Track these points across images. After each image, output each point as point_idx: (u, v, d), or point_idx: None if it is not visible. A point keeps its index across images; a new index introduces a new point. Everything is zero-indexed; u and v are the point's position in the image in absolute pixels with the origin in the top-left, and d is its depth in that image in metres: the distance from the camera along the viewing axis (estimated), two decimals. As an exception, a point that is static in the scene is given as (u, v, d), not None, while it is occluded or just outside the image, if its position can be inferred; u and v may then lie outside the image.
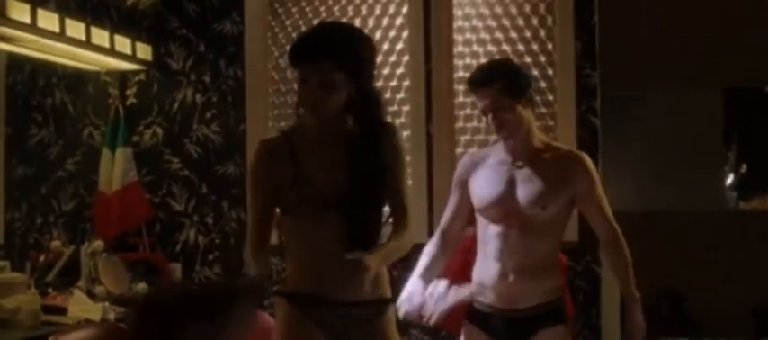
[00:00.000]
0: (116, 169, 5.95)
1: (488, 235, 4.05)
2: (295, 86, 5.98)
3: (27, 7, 4.91)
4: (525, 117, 4.00)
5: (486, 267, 4.04)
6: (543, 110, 5.83)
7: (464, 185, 4.15)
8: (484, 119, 4.03)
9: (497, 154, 4.09)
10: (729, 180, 9.29)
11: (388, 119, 3.81)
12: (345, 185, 3.46)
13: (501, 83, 3.96)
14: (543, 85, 5.85)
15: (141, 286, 5.55)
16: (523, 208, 3.95)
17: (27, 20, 4.91)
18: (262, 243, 3.55)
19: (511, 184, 3.99)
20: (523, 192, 3.97)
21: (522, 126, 4.00)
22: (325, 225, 3.46)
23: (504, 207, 3.97)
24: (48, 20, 5.08)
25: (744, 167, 9.38)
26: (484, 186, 4.05)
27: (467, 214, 4.17)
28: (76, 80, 6.10)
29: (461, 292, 4.01)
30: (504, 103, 3.95)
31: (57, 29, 5.16)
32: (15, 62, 5.65)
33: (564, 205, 4.05)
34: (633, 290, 4.16)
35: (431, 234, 5.80)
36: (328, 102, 3.45)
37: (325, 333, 3.52)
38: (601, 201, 4.11)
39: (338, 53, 3.43)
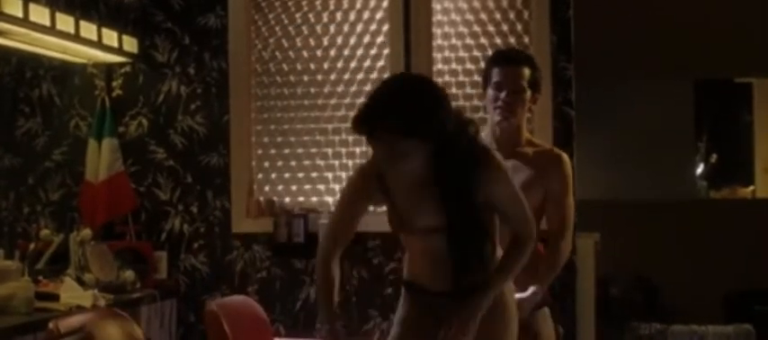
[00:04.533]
0: (102, 159, 6.02)
1: None
2: (292, 78, 6.14)
3: (19, 2, 4.98)
4: (526, 110, 4.14)
5: None
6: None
7: None
8: (493, 97, 4.09)
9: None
10: (700, 169, 9.47)
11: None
12: (438, 221, 3.45)
13: (530, 70, 4.10)
14: (520, 77, 5.96)
15: (128, 274, 5.66)
16: None
17: (19, 14, 4.98)
18: (332, 253, 3.64)
19: None
20: None
21: (522, 117, 4.14)
22: (426, 243, 3.56)
23: None
24: (39, 14, 5.15)
25: (714, 157, 9.56)
26: None
27: None
28: (63, 72, 6.19)
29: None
30: (524, 88, 4.08)
31: (48, 22, 5.23)
32: (3, 54, 5.74)
33: (540, 201, 4.15)
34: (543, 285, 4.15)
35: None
36: (404, 166, 3.39)
37: (432, 317, 3.58)
38: (567, 208, 4.21)
39: (397, 122, 3.30)
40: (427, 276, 3.63)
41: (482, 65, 5.91)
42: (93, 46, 5.73)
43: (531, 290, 4.05)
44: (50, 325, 3.95)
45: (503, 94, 4.07)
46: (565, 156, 4.25)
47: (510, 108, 4.08)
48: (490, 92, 4.13)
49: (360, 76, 6.13)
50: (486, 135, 4.16)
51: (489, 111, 4.19)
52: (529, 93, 4.11)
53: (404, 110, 3.30)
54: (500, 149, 4.07)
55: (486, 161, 3.44)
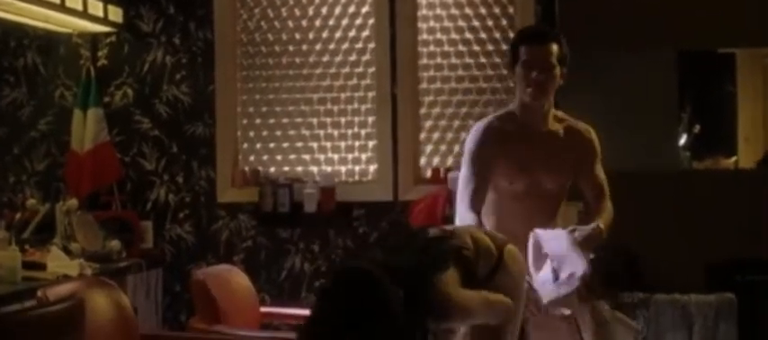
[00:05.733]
0: (88, 129, 6.04)
1: (503, 207, 4.10)
2: (277, 48, 6.16)
3: (4, -29, 5.00)
4: (555, 87, 4.15)
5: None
6: (504, 72, 5.98)
7: (485, 161, 4.06)
8: (524, 76, 4.03)
9: (511, 125, 4.13)
10: (683, 140, 9.49)
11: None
12: None
13: (558, 46, 4.07)
14: (505, 48, 5.98)
15: (114, 243, 5.68)
16: (544, 181, 4.08)
17: (3, -17, 4.99)
18: None
19: (535, 158, 4.06)
20: (545, 166, 4.11)
21: (553, 94, 4.15)
22: None
23: (528, 181, 4.05)
24: (23, -17, 5.16)
25: (697, 128, 9.58)
26: (509, 162, 4.05)
27: (487, 187, 4.08)
28: (48, 42, 6.20)
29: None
30: (554, 65, 4.08)
31: (33, -8, 5.24)
32: (-12, 24, 5.75)
33: (570, 174, 4.21)
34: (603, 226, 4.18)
35: (396, 192, 6.01)
36: None
37: None
38: (602, 176, 4.30)
39: None
40: None
41: (467, 35, 5.98)
42: (78, 16, 5.74)
43: (592, 225, 4.08)
44: (39, 293, 3.97)
45: (534, 74, 4.04)
46: (591, 130, 4.30)
47: (541, 87, 4.03)
48: (520, 70, 4.07)
49: (345, 46, 6.15)
50: (516, 112, 4.16)
51: (518, 89, 4.15)
52: (558, 69, 4.10)
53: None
54: (529, 126, 4.08)
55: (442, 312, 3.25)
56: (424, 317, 3.18)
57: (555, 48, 4.07)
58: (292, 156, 6.20)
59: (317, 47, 6.16)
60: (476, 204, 3.97)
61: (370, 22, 6.09)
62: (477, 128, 4.17)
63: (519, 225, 3.97)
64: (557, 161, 4.11)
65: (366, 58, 6.11)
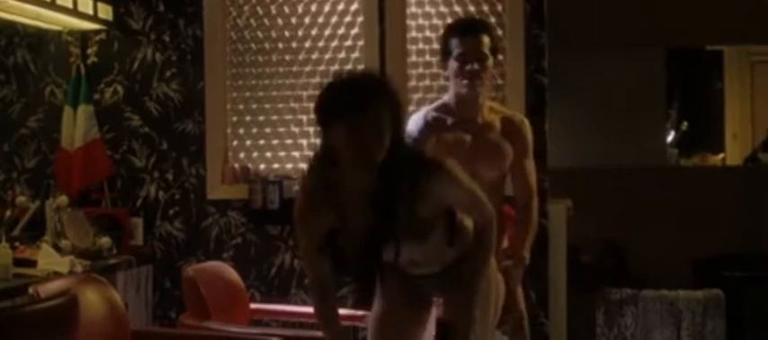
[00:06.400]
0: (78, 126, 6.05)
1: None
2: (267, 45, 6.14)
3: (-6, -31, 5.01)
4: (489, 77, 4.24)
5: None
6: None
7: (427, 148, 4.19)
8: (458, 69, 4.18)
9: (447, 114, 4.28)
10: (671, 137, 9.54)
11: None
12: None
13: (489, 37, 4.21)
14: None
15: (105, 240, 5.70)
16: (484, 172, 4.15)
17: (-7, -20, 5.00)
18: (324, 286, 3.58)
19: (472, 150, 4.20)
20: (483, 157, 4.18)
21: (488, 82, 4.24)
22: None
23: (468, 167, 4.13)
24: (14, -19, 5.17)
25: (685, 125, 9.64)
26: (450, 149, 4.13)
27: None
28: (38, 39, 6.21)
29: None
30: (487, 56, 4.18)
31: (22, -11, 5.25)
32: (-24, 22, 5.76)
33: (508, 164, 4.32)
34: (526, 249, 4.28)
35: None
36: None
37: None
38: (532, 171, 4.39)
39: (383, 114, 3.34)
40: None
41: (455, 32, 5.97)
42: (68, 13, 5.73)
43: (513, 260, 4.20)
44: (31, 290, 3.99)
45: (468, 66, 4.16)
46: (526, 121, 4.42)
47: (476, 78, 4.18)
48: (453, 63, 4.23)
49: (334, 43, 6.16)
50: (449, 102, 4.27)
51: (452, 82, 4.29)
52: (491, 60, 4.22)
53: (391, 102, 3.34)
54: (464, 117, 4.19)
55: (435, 169, 3.44)
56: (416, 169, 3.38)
57: (486, 39, 4.23)
58: (282, 153, 6.22)
59: (307, 44, 6.17)
60: None
61: (359, 19, 6.11)
62: (413, 118, 4.30)
63: None
64: (493, 151, 4.23)
65: (355, 55, 6.12)
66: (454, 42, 4.21)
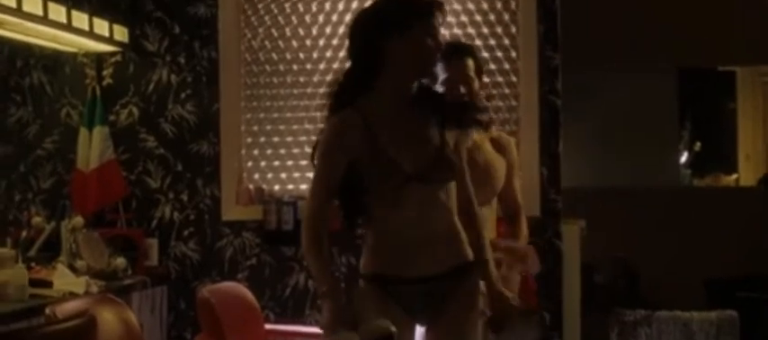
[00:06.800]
0: (93, 148, 6.07)
1: None
2: (281, 67, 6.16)
3: (13, -8, 5.04)
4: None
5: None
6: (507, 90, 6.03)
7: None
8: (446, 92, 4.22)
9: None
10: (684, 158, 9.55)
11: None
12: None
13: (472, 58, 4.29)
14: (507, 66, 6.03)
15: (120, 260, 5.71)
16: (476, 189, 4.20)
17: (13, 4, 5.01)
18: (322, 226, 3.50)
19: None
20: (475, 176, 4.20)
21: None
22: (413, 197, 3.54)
23: None
24: (32, 4, 5.17)
25: (698, 145, 9.65)
26: None
27: None
28: (54, 61, 6.25)
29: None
30: (473, 79, 4.23)
31: (40, 13, 5.26)
32: (-6, 43, 5.81)
33: (502, 182, 4.44)
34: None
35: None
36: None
37: (402, 306, 3.56)
38: (516, 184, 4.54)
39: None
40: (403, 259, 3.57)
41: (470, 54, 6.00)
42: (84, 35, 5.77)
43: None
44: (48, 310, 4.00)
45: (456, 89, 4.20)
46: (512, 140, 4.57)
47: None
48: (440, 88, 4.24)
49: (347, 64, 6.17)
50: None
51: None
52: (477, 82, 4.28)
53: None
54: None
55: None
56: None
57: (471, 62, 4.28)
58: (296, 174, 6.24)
59: (321, 66, 6.20)
60: None
61: (374, 41, 6.12)
62: None
63: None
64: (484, 172, 4.28)
65: (369, 76, 6.13)
66: (440, 67, 4.23)
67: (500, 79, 6.05)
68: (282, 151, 6.25)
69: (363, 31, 3.58)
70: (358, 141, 3.50)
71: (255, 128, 6.29)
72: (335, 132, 3.55)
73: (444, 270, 3.57)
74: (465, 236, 3.62)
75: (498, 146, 4.45)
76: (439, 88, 3.96)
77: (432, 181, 3.53)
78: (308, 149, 6.04)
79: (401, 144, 3.51)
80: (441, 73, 4.19)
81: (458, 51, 4.32)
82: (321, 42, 6.21)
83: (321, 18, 6.21)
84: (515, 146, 4.65)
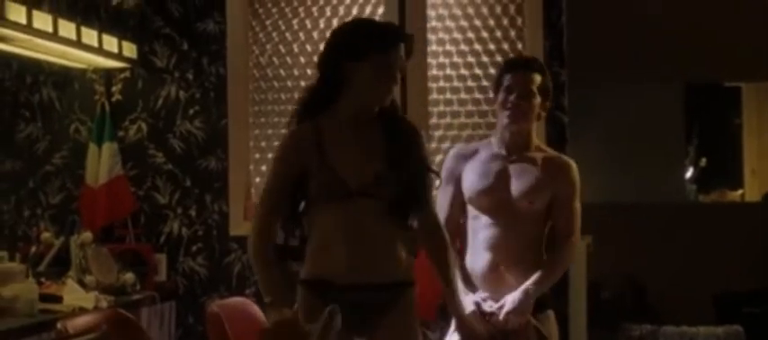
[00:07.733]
0: (102, 163, 6.10)
1: (478, 226, 4.23)
2: (289, 83, 6.19)
3: (23, 9, 5.06)
4: (536, 116, 4.25)
5: (475, 258, 4.24)
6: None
7: (457, 178, 4.29)
8: (503, 101, 4.18)
9: (488, 149, 4.26)
10: (689, 173, 9.56)
11: None
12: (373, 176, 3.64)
13: (541, 77, 4.23)
14: (514, 82, 6.05)
15: (128, 276, 5.73)
16: (514, 200, 4.18)
17: (23, 21, 5.05)
18: (269, 232, 3.79)
19: (504, 177, 4.20)
20: (515, 186, 4.20)
21: (532, 122, 4.24)
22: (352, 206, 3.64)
23: (495, 198, 4.17)
24: (42, 20, 5.22)
25: (703, 161, 9.66)
26: (477, 178, 4.22)
27: (460, 206, 4.29)
28: (63, 77, 6.28)
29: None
30: (534, 93, 4.19)
31: (50, 29, 5.30)
32: (4, 60, 5.84)
33: (546, 204, 4.26)
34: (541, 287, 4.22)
35: (407, 225, 6.05)
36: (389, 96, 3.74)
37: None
38: (574, 214, 4.31)
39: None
40: (343, 263, 3.70)
41: (476, 71, 6.05)
42: (93, 52, 5.81)
43: (522, 290, 4.14)
44: (59, 325, 4.02)
45: (512, 97, 4.15)
46: (573, 164, 4.36)
47: (519, 111, 4.16)
48: (501, 95, 4.21)
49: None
50: (495, 139, 4.28)
51: (499, 116, 4.28)
52: (539, 99, 4.21)
53: None
54: (509, 153, 4.20)
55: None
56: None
57: (538, 77, 4.23)
58: (304, 190, 6.25)
59: (328, 82, 6.21)
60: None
61: (381, 57, 6.14)
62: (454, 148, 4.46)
63: (496, 253, 4.18)
64: (532, 187, 4.19)
65: (376, 92, 6.15)
66: (506, 77, 4.21)
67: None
68: (290, 167, 6.26)
69: (329, 50, 3.76)
70: (306, 155, 3.65)
71: (263, 143, 6.31)
72: (285, 145, 3.76)
73: (376, 282, 3.67)
74: (404, 258, 3.74)
75: (550, 167, 4.30)
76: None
77: (373, 198, 3.63)
78: (316, 165, 6.15)
79: (348, 162, 3.64)
80: (505, 82, 4.20)
81: (527, 64, 4.28)
82: (329, 58, 6.22)
83: (328, 34, 6.22)
84: None
